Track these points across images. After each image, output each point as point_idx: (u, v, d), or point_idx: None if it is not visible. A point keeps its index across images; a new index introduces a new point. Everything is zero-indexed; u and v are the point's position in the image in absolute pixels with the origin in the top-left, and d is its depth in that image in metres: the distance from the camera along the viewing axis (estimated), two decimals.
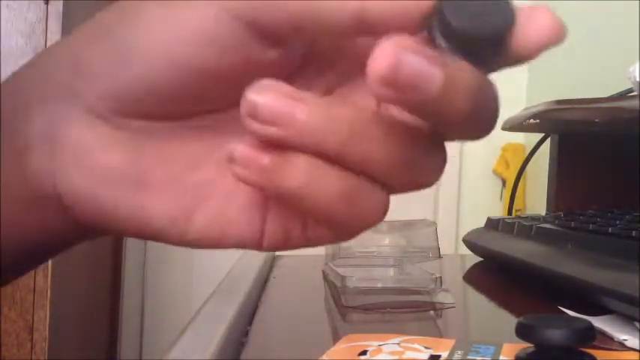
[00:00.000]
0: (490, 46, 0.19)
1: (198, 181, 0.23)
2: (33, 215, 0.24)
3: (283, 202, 0.23)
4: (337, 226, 0.23)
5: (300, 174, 0.20)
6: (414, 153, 0.21)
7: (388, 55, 0.18)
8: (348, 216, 0.22)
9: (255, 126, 0.20)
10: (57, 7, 1.33)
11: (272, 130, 0.20)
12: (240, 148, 0.20)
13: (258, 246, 0.24)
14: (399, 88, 0.18)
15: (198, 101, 0.23)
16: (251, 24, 0.21)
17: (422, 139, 0.22)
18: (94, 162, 0.22)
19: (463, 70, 0.19)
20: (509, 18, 0.19)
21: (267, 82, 0.20)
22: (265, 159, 0.20)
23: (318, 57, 0.24)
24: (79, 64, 0.22)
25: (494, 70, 0.21)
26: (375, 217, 0.22)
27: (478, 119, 0.20)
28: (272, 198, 0.23)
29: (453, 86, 0.19)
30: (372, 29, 0.20)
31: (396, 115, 0.21)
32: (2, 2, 1.32)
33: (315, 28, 0.21)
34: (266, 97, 0.20)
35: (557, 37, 0.20)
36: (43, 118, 0.23)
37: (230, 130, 0.24)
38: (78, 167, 0.23)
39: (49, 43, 1.33)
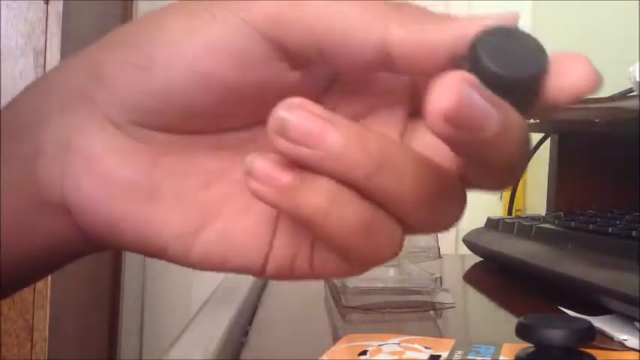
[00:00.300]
0: (524, 92, 0.19)
1: (209, 199, 0.23)
2: (39, 219, 0.24)
3: (297, 225, 0.22)
4: (349, 259, 0.22)
5: (321, 198, 0.20)
6: (439, 194, 0.21)
7: (454, 91, 0.17)
8: (363, 248, 0.21)
9: (283, 144, 0.19)
10: (57, 7, 1.33)
11: (300, 150, 0.19)
12: (260, 163, 0.20)
13: (261, 272, 0.23)
14: (460, 126, 0.17)
15: (217, 116, 0.23)
16: (276, 42, 0.21)
17: (449, 181, 0.21)
18: (106, 170, 0.22)
19: (514, 114, 0.19)
20: (543, 64, 0.19)
21: (297, 100, 0.19)
22: (286, 177, 0.20)
23: (344, 84, 0.24)
24: (100, 73, 0.22)
25: (525, 115, 0.20)
26: (388, 254, 0.22)
27: (518, 164, 0.20)
28: (285, 219, 0.23)
29: (507, 129, 0.18)
30: (396, 66, 0.20)
31: (427, 153, 0.21)
32: (2, 2, 1.32)
33: (339, 53, 0.21)
34: (297, 115, 0.19)
35: (592, 87, 0.20)
36: (59, 125, 0.23)
37: (247, 151, 0.22)
38: (88, 174, 0.22)
39: (49, 43, 1.33)
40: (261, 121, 0.23)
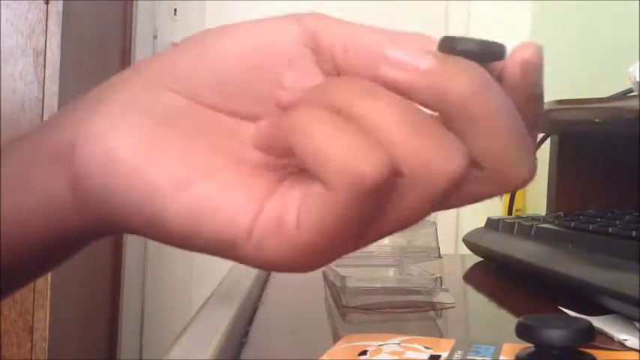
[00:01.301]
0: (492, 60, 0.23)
1: (211, 163, 0.23)
2: (34, 172, 0.25)
3: (301, 183, 0.22)
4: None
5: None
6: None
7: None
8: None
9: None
10: (57, 7, 1.33)
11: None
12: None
13: (247, 233, 0.22)
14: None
15: (242, 98, 0.25)
16: (315, 42, 0.24)
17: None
18: (120, 113, 0.24)
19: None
20: (500, 45, 0.23)
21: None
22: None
23: None
24: (158, 60, 0.25)
25: None
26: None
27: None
28: (291, 180, 0.23)
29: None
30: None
31: None
32: (2, 2, 1.32)
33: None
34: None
35: (534, 56, 0.22)
36: (98, 90, 0.25)
37: (240, 132, 0.25)
38: (103, 114, 0.24)
39: (49, 43, 1.33)
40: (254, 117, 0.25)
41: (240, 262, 0.23)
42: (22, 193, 0.25)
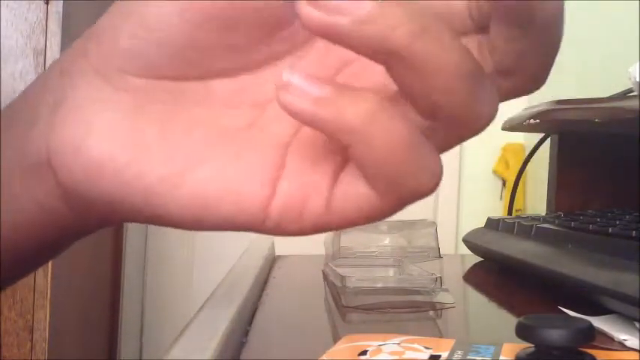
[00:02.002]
0: None
1: (194, 143, 0.22)
2: (22, 185, 0.24)
3: (313, 161, 0.21)
4: (387, 185, 0.20)
5: (368, 104, 0.19)
6: (478, 72, 0.19)
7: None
8: (405, 169, 0.20)
9: (315, 16, 0.18)
10: (57, 7, 1.33)
11: (335, 20, 0.18)
12: (298, 75, 0.19)
13: (262, 218, 0.21)
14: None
15: (198, 53, 0.22)
16: None
17: (481, 66, 0.20)
18: (87, 117, 0.22)
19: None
20: None
21: None
22: (327, 88, 0.19)
23: None
24: (93, 30, 0.23)
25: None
26: (428, 181, 0.20)
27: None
28: (296, 158, 0.22)
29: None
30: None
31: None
32: (2, 2, 1.32)
33: None
34: None
35: None
36: (56, 88, 0.23)
37: (236, 102, 0.23)
38: (71, 122, 0.22)
39: (49, 43, 1.33)
40: (249, 69, 0.23)
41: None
42: (11, 213, 0.24)
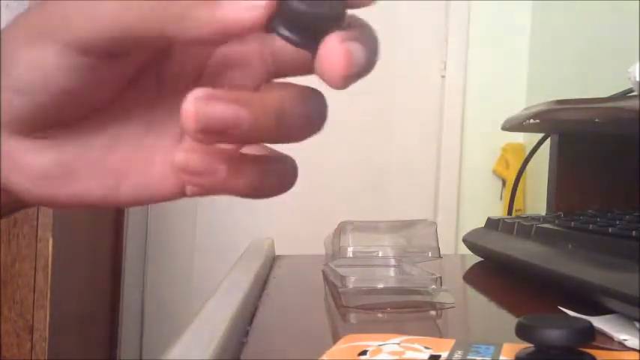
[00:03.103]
0: (330, 22, 0.22)
1: (116, 160, 0.27)
2: None
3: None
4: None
5: (251, 177, 0.25)
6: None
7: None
8: (270, 181, 0.26)
9: (200, 138, 0.22)
10: None
11: (218, 138, 0.22)
12: (195, 158, 0.24)
13: (182, 195, 0.28)
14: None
15: (78, 108, 0.26)
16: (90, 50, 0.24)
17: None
18: (26, 164, 0.26)
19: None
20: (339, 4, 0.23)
21: (201, 92, 0.22)
22: (222, 169, 0.24)
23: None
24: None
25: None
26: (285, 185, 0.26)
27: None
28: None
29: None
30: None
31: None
32: (2, 2, 1.32)
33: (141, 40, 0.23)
34: (210, 107, 0.22)
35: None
36: None
37: (126, 116, 0.27)
38: (15, 171, 0.26)
39: None
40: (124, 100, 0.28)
41: None
42: None
